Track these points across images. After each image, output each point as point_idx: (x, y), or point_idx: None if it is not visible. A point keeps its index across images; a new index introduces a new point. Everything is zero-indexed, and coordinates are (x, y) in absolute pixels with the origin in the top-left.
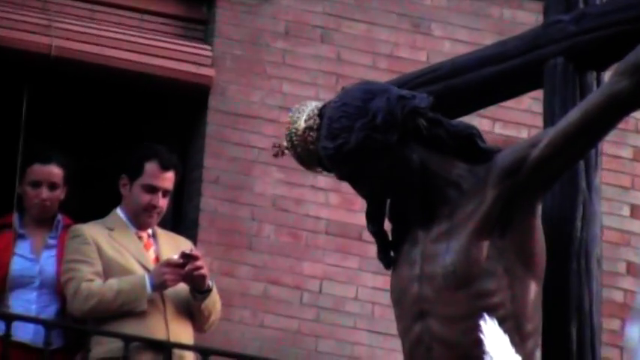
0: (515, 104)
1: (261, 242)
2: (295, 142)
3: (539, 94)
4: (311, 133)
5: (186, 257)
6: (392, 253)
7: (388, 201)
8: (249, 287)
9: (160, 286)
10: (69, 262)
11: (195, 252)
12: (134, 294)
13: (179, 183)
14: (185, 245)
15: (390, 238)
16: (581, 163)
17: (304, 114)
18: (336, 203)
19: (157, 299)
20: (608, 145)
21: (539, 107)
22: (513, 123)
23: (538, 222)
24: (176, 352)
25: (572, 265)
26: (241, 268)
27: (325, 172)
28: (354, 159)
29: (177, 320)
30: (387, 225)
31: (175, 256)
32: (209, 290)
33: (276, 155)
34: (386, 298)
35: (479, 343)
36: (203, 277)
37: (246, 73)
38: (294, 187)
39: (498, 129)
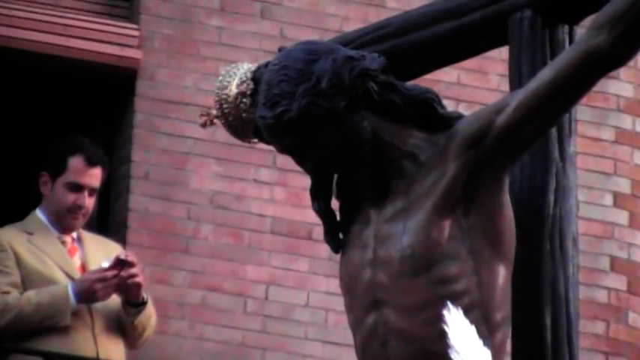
0: (481, 82)
1: (199, 244)
2: (226, 110)
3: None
4: (244, 100)
5: (121, 264)
6: (340, 236)
7: (335, 176)
8: (186, 295)
9: (88, 299)
10: None
11: (132, 257)
12: (56, 307)
13: (105, 180)
14: (115, 250)
15: (338, 218)
16: (554, 130)
17: (236, 78)
18: (282, 199)
19: (84, 312)
20: (587, 127)
21: (507, 86)
22: (478, 103)
23: (506, 197)
24: None
25: (545, 246)
26: (177, 274)
27: (263, 144)
28: (296, 129)
29: (106, 335)
30: (335, 204)
31: (106, 263)
32: (144, 303)
33: (204, 125)
34: (340, 305)
35: (441, 336)
36: (138, 287)
37: (177, 54)
38: (234, 182)
39: (463, 109)
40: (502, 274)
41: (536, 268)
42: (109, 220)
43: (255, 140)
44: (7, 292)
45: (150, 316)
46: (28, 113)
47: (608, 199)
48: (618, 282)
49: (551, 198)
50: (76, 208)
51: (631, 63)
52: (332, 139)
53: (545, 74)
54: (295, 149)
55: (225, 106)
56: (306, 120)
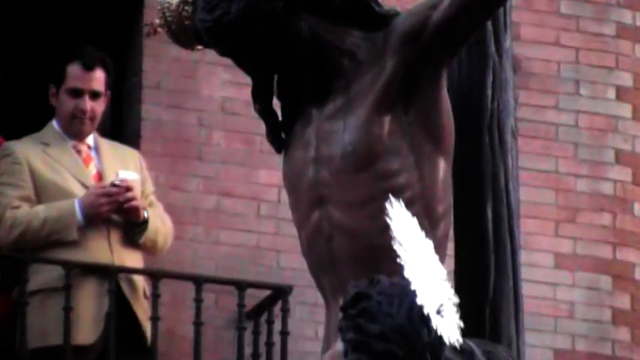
0: None
1: (211, 151)
2: (169, 19)
3: None
4: (186, 7)
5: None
6: (283, 135)
7: (276, 77)
8: (201, 201)
9: (93, 214)
10: None
11: (126, 182)
12: (62, 222)
13: (117, 90)
14: (132, 156)
15: (280, 118)
16: (489, 25)
17: None
18: None
19: (100, 223)
20: (589, 23)
21: None
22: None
23: (444, 93)
24: (126, 277)
25: (485, 139)
26: (191, 181)
27: (205, 49)
28: (235, 31)
29: (122, 244)
30: (277, 104)
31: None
32: (145, 222)
33: (148, 34)
34: None
35: (384, 230)
36: (136, 209)
37: None
38: (243, 88)
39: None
40: (442, 167)
41: (477, 161)
42: (122, 131)
43: (200, 47)
44: (17, 207)
45: (157, 230)
46: (41, 27)
47: (611, 93)
48: (623, 174)
49: (489, 92)
50: (79, 112)
51: None
52: (271, 41)
53: None
54: (235, 52)
55: (167, 14)
56: (245, 22)
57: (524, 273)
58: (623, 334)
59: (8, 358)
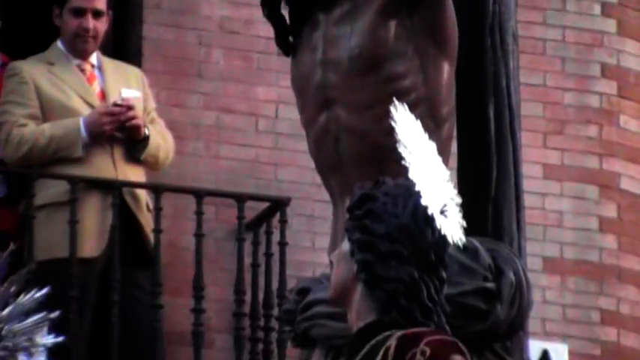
0: None
1: (211, 68)
2: None
3: None
4: None
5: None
6: (290, 39)
7: None
8: (201, 117)
9: (96, 131)
10: (3, 105)
11: (128, 101)
12: (68, 139)
13: (119, 10)
14: (134, 74)
15: (288, 22)
16: None
17: None
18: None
19: (104, 141)
20: None
21: None
22: None
23: None
24: (128, 191)
25: (486, 41)
26: (191, 98)
27: None
28: None
29: (125, 161)
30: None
31: (126, 92)
32: (147, 138)
33: None
34: None
35: (390, 132)
36: (138, 127)
37: None
38: (241, 7)
39: None
40: (446, 70)
41: (479, 63)
42: (124, 50)
43: None
44: (24, 125)
45: (158, 146)
46: None
47: (597, 9)
48: (609, 87)
49: None
50: (82, 31)
51: None
52: None
53: None
54: None
55: None
56: None
57: None
58: (610, 241)
59: (15, 270)
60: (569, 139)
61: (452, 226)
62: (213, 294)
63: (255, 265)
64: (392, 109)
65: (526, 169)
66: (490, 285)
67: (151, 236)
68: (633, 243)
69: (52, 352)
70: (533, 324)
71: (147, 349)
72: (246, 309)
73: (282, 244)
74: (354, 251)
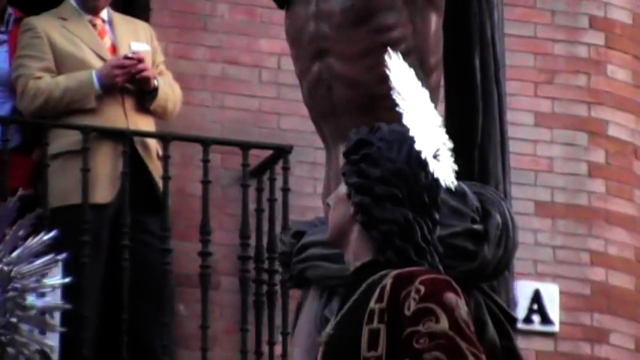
0: None
1: (216, 22)
2: None
3: None
4: None
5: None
6: None
7: None
8: (207, 69)
9: (109, 83)
10: (19, 58)
11: (138, 54)
12: (81, 91)
13: None
14: (143, 28)
15: None
16: None
17: None
18: None
19: (116, 92)
20: None
21: None
22: None
23: None
24: (139, 140)
25: None
26: (197, 50)
27: None
28: None
29: (136, 111)
30: None
31: (135, 45)
32: (156, 89)
33: None
34: None
35: (382, 80)
36: (147, 79)
37: None
38: None
39: None
40: (434, 21)
41: (465, 14)
42: (133, 5)
43: None
44: (40, 77)
45: (166, 97)
46: None
47: None
48: (597, 38)
49: None
50: None
51: None
52: None
53: None
54: None
55: None
56: None
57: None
58: (598, 185)
59: None
60: (558, 88)
61: (444, 170)
62: (220, 238)
63: (259, 211)
64: (386, 57)
65: (518, 117)
66: (478, 227)
67: (160, 183)
68: (620, 187)
69: (66, 293)
70: (525, 265)
71: (156, 290)
72: (251, 252)
73: (285, 190)
74: (350, 194)
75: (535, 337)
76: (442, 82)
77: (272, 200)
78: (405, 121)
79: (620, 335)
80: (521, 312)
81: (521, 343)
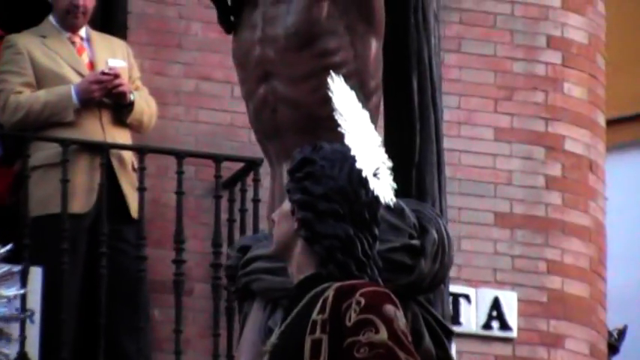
0: None
1: (190, 40)
2: None
3: None
4: None
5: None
6: (232, 18)
7: None
8: (182, 85)
9: (87, 98)
10: (0, 74)
11: (114, 69)
12: (61, 105)
13: None
14: (119, 46)
15: (230, 3)
16: None
17: None
18: None
19: (93, 106)
20: None
21: None
22: None
23: None
24: (115, 153)
25: (410, 20)
26: (173, 67)
27: None
28: None
29: (113, 125)
30: None
31: (112, 62)
32: (132, 103)
33: None
34: None
35: (325, 102)
36: (124, 94)
37: None
38: None
39: None
40: (374, 46)
41: (403, 39)
42: (111, 23)
43: None
44: (20, 92)
45: (142, 111)
46: None
47: None
48: (554, 57)
49: None
50: (73, 7)
51: None
52: None
53: None
54: None
55: None
56: None
57: (468, 145)
58: (555, 197)
59: (12, 225)
60: (518, 104)
61: (384, 188)
62: (193, 246)
63: (231, 220)
64: (329, 79)
65: (478, 132)
66: (415, 242)
67: (136, 194)
68: (576, 199)
69: (45, 298)
70: (485, 273)
71: (132, 296)
72: (223, 260)
73: (256, 200)
74: (294, 210)
75: (494, 343)
76: (382, 104)
77: (243, 210)
78: (347, 140)
79: (575, 340)
80: (481, 318)
81: (480, 347)
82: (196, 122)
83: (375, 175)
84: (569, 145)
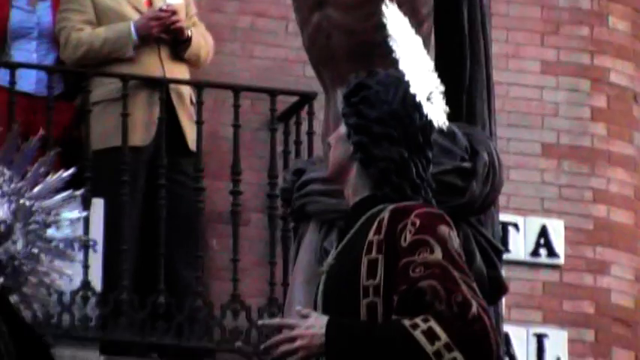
0: None
1: None
2: None
3: None
4: None
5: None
6: None
7: None
8: (237, 21)
9: (146, 37)
10: (62, 12)
11: (172, 6)
12: (120, 41)
13: None
14: None
15: None
16: None
17: None
18: None
19: (152, 42)
20: None
21: None
22: None
23: None
24: (173, 87)
25: None
26: (228, 4)
27: None
28: None
29: (171, 60)
30: None
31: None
32: (189, 39)
33: None
34: None
35: (378, 28)
36: (181, 30)
37: None
38: None
39: None
40: None
41: None
42: None
43: None
44: (81, 29)
45: (199, 46)
46: None
47: None
48: None
49: None
50: None
51: None
52: None
53: None
54: None
55: None
56: None
57: (516, 78)
58: (600, 128)
59: (74, 158)
60: (563, 38)
61: (436, 112)
62: (249, 178)
63: (286, 152)
64: (382, 6)
65: (525, 65)
66: (467, 164)
67: (194, 127)
68: (621, 130)
69: (107, 228)
70: (532, 202)
71: (190, 227)
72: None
73: (310, 133)
74: (350, 134)
75: (542, 269)
76: (432, 31)
77: (298, 143)
78: (400, 66)
79: (621, 267)
80: (529, 246)
81: (528, 274)
82: (252, 57)
83: (428, 99)
84: (613, 77)
